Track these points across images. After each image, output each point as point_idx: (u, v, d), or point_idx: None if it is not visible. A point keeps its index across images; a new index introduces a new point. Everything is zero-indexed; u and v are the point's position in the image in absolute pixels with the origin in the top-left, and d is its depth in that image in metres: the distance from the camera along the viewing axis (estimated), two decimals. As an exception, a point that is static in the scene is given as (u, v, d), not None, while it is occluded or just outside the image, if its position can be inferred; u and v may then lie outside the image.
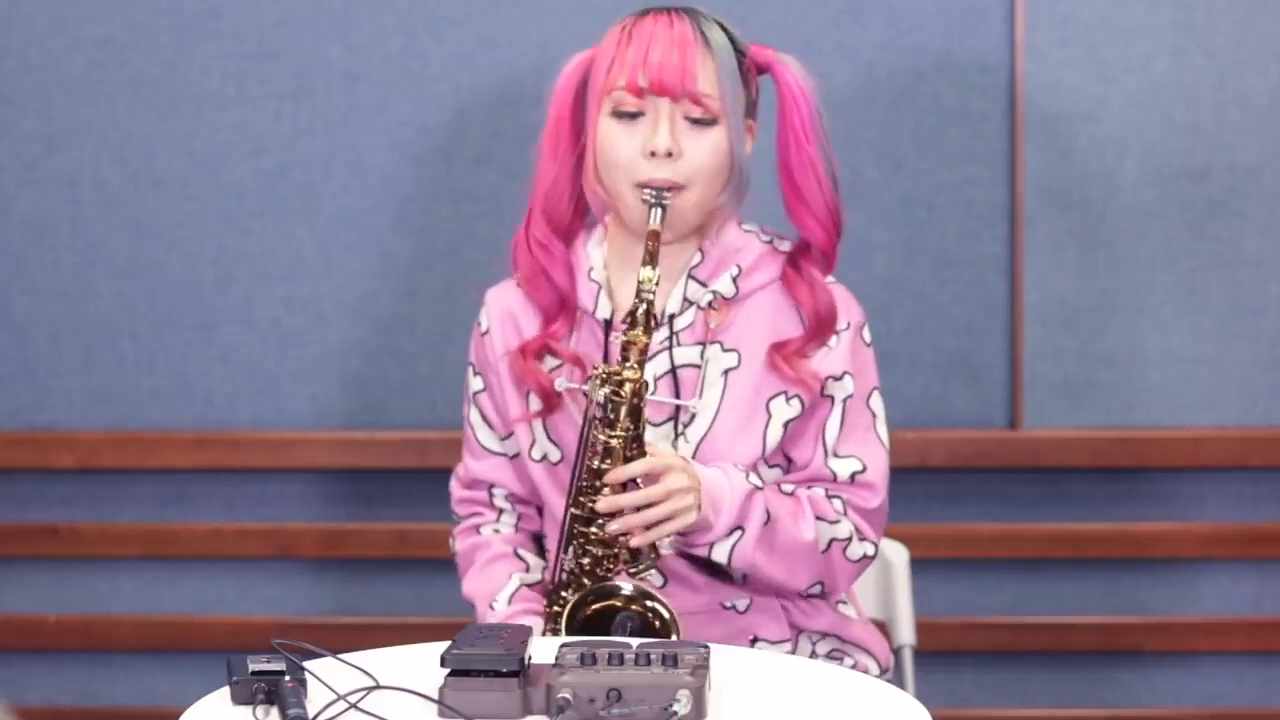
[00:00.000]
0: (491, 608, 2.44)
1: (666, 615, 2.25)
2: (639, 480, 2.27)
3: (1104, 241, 3.16)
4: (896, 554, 2.81)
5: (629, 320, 2.29)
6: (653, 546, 2.31)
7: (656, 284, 2.29)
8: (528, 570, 2.48)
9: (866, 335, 2.46)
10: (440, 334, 3.22)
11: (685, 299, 2.41)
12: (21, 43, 3.23)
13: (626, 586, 2.28)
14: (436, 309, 3.22)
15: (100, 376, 3.27)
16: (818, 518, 2.38)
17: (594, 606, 2.28)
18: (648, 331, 2.28)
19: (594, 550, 2.32)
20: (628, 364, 2.28)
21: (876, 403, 2.45)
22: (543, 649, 2.00)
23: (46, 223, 3.26)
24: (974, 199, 3.18)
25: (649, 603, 2.27)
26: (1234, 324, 3.17)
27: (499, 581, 2.46)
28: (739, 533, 2.33)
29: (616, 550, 2.31)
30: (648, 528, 2.28)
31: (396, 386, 3.24)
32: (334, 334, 3.25)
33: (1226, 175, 3.15)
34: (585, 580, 2.32)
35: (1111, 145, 3.15)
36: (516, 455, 2.48)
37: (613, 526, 2.28)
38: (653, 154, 2.33)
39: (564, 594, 2.34)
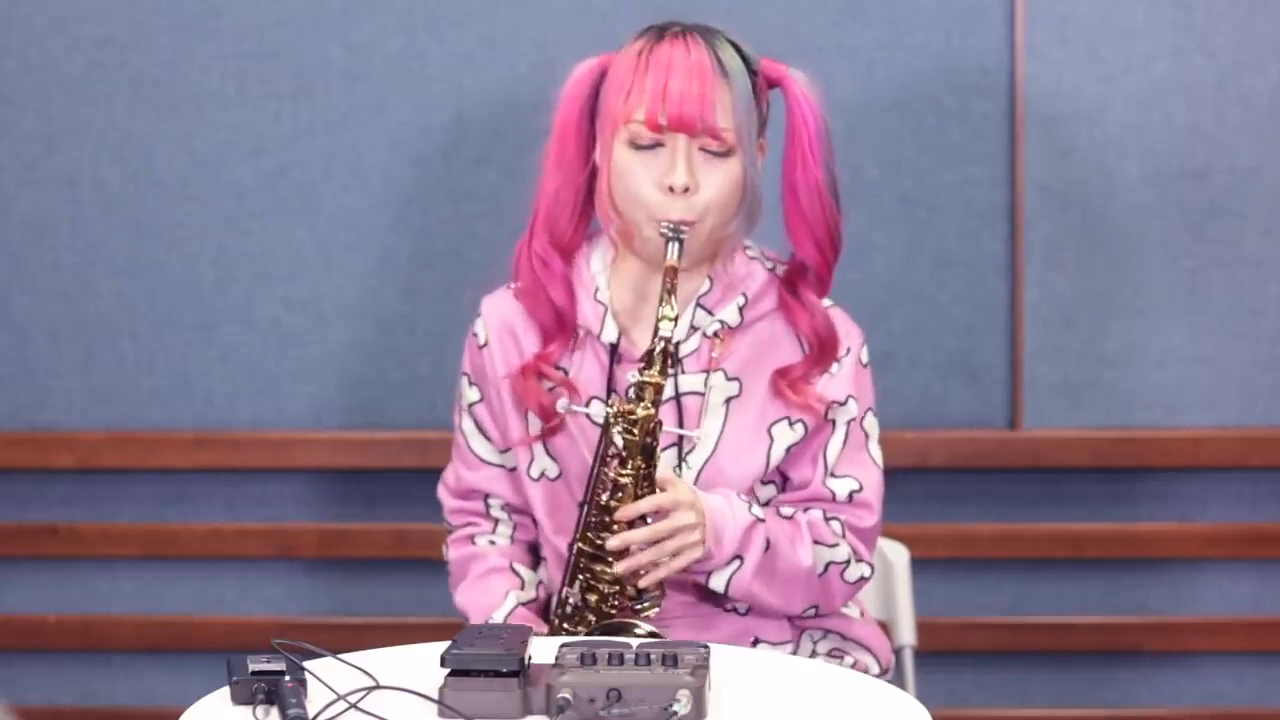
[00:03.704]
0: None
1: None
2: (647, 517, 2.28)
3: (1104, 241, 3.16)
4: (896, 554, 2.81)
5: (646, 359, 2.28)
6: (659, 584, 2.31)
7: (676, 321, 2.28)
8: (523, 587, 2.47)
9: (864, 356, 2.45)
10: (440, 334, 3.21)
11: (692, 326, 2.40)
12: (21, 43, 3.23)
13: (642, 628, 2.29)
14: (436, 309, 3.22)
15: (100, 376, 3.27)
16: (816, 542, 2.38)
17: None
18: (664, 373, 2.28)
19: (600, 587, 2.32)
20: (642, 403, 2.27)
21: (870, 423, 2.45)
22: (543, 649, 2.00)
23: (46, 223, 3.26)
24: (974, 199, 3.18)
25: None
26: (1234, 324, 3.17)
27: (494, 599, 2.45)
28: (738, 563, 2.33)
29: (623, 587, 2.31)
30: (655, 565, 2.28)
31: (396, 386, 3.24)
32: (334, 334, 3.25)
33: (1226, 175, 3.15)
34: (590, 615, 2.33)
35: (1111, 145, 3.15)
36: (514, 469, 2.48)
37: (620, 567, 2.28)
38: (670, 189, 2.32)
39: (566, 626, 2.34)
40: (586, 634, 2.31)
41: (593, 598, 2.32)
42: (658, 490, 2.28)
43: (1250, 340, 3.17)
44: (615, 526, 2.28)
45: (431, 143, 3.20)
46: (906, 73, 3.15)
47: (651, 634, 2.28)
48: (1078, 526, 3.21)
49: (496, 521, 2.51)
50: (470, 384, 2.49)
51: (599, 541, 2.31)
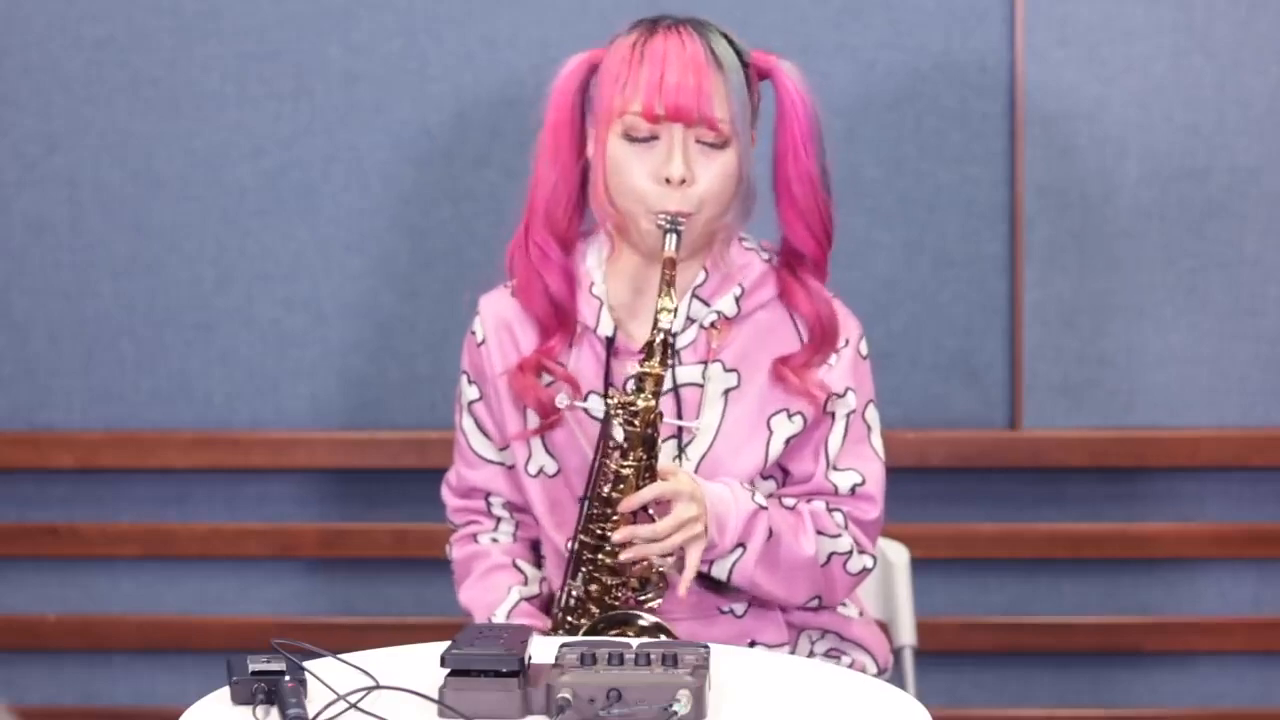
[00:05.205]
0: (490, 621, 2.44)
1: None
2: (649, 508, 2.28)
3: (1104, 241, 3.17)
4: (896, 554, 2.81)
5: (646, 350, 2.28)
6: (661, 575, 2.32)
7: (675, 312, 2.29)
8: (526, 583, 2.48)
9: (863, 348, 2.46)
10: (440, 334, 3.21)
11: (688, 318, 2.40)
12: (21, 43, 3.23)
13: (646, 618, 2.29)
14: (436, 309, 3.22)
15: (100, 376, 3.27)
16: (819, 532, 2.38)
17: (608, 634, 2.29)
18: (664, 363, 2.28)
19: (603, 578, 2.32)
20: (642, 394, 2.27)
21: (872, 415, 2.45)
22: (543, 649, 2.00)
23: (46, 223, 3.26)
24: (974, 199, 3.18)
25: (663, 637, 2.28)
26: (1234, 324, 3.17)
27: (498, 594, 2.46)
28: (740, 550, 2.33)
29: (626, 579, 2.31)
30: (662, 559, 2.29)
31: (396, 386, 3.24)
32: (334, 334, 3.25)
33: (1226, 175, 3.15)
34: (593, 607, 2.33)
35: (1111, 145, 3.15)
36: (513, 466, 2.48)
37: (625, 556, 2.28)
38: (666, 180, 2.32)
39: (570, 619, 2.34)
40: (590, 626, 2.31)
41: (595, 589, 2.33)
42: (659, 480, 2.28)
43: (1250, 340, 3.18)
44: (616, 518, 2.29)
45: (431, 143, 3.21)
46: (906, 73, 3.15)
47: (657, 625, 2.29)
48: (1078, 526, 3.21)
49: (498, 520, 2.52)
50: (469, 382, 2.49)
51: (600, 533, 2.31)
